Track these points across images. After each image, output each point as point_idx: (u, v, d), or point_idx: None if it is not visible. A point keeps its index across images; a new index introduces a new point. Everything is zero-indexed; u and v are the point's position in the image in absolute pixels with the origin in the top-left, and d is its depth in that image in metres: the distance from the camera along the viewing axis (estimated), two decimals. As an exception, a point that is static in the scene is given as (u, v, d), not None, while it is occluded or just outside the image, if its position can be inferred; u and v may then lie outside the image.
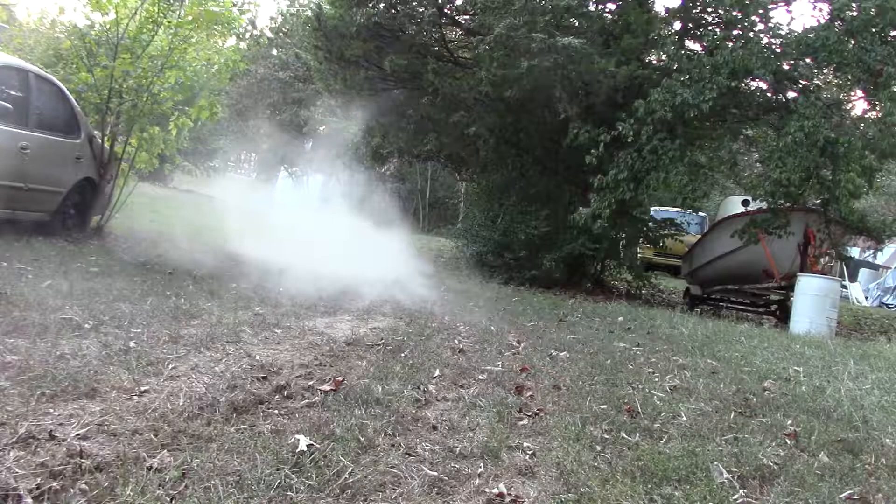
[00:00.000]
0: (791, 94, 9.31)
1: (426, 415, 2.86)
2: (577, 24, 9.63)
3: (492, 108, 10.10)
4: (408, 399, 3.00)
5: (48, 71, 7.59)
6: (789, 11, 10.08)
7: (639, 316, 7.15)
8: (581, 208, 9.18)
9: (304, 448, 2.24)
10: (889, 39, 8.24)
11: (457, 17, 11.17)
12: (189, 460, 2.06)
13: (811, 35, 8.38)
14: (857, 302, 15.56)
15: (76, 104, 7.26)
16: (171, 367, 2.96)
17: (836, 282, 8.53)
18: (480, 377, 3.64)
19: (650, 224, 11.54)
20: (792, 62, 8.85)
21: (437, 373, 3.59)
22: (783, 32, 9.00)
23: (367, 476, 2.13)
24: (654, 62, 10.35)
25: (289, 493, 1.96)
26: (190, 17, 7.76)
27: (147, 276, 5.39)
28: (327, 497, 1.98)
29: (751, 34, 9.10)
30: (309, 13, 11.44)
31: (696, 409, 3.26)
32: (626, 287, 11.62)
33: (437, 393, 3.23)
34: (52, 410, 2.31)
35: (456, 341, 4.64)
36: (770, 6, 9.23)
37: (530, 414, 3.03)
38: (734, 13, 9.09)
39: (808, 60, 8.77)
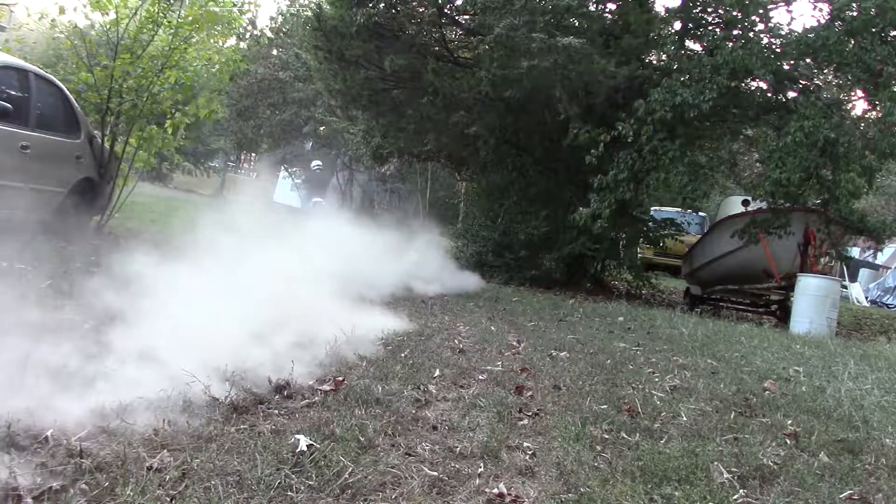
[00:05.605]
0: (791, 94, 9.30)
1: (426, 415, 2.86)
2: (577, 24, 9.62)
3: (492, 108, 10.10)
4: (408, 399, 3.00)
5: (48, 71, 7.59)
6: (789, 11, 10.04)
7: (639, 316, 7.15)
8: (581, 208, 9.17)
9: (304, 448, 2.24)
10: (889, 39, 8.24)
11: (457, 17, 11.16)
12: (189, 460, 2.06)
13: (811, 35, 8.37)
14: (857, 302, 15.56)
15: (76, 104, 7.26)
16: (172, 366, 2.95)
17: (836, 282, 8.52)
18: (480, 377, 3.65)
19: (650, 224, 11.54)
20: (792, 62, 8.85)
21: (437, 373, 3.59)
22: (783, 32, 9.00)
23: (367, 476, 2.13)
24: (654, 62, 10.34)
25: (289, 493, 1.96)
26: (190, 18, 7.77)
27: (147, 275, 5.37)
28: (327, 497, 1.98)
29: (751, 34, 9.09)
30: (309, 13, 11.43)
31: (696, 409, 3.26)
32: (626, 287, 11.61)
33: (437, 393, 3.23)
34: (52, 410, 2.31)
35: (456, 341, 4.64)
36: (770, 6, 9.22)
37: (530, 414, 3.03)
38: (734, 13, 9.09)
39: (808, 60, 8.76)
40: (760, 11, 9.02)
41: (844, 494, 2.35)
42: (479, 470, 2.32)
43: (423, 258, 8.68)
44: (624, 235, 11.10)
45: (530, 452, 2.54)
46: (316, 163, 19.70)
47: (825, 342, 6.19)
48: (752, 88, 9.83)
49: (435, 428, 2.71)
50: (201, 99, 8.37)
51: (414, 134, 11.44)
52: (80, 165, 7.22)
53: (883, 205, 20.70)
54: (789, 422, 3.16)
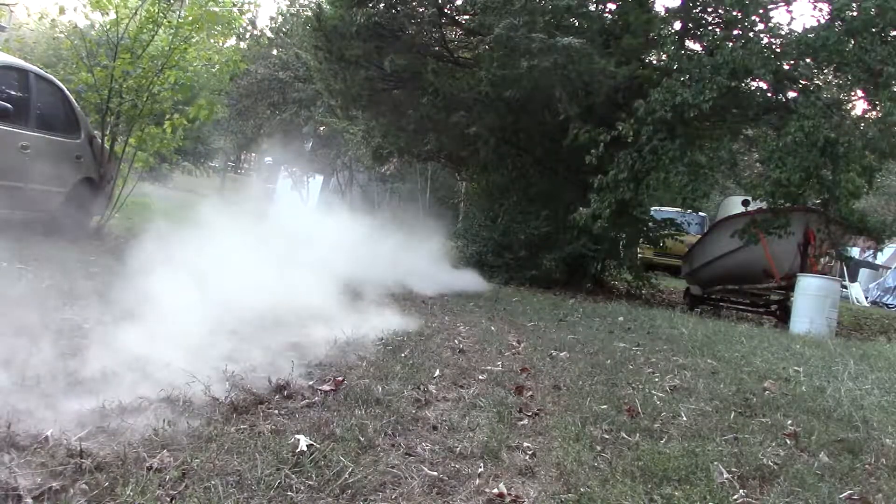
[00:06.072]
0: (791, 94, 9.30)
1: (426, 415, 2.86)
2: (577, 24, 9.62)
3: (492, 108, 10.10)
4: (408, 399, 3.00)
5: (48, 71, 7.60)
6: (789, 11, 10.05)
7: (639, 316, 7.15)
8: (581, 208, 9.17)
9: (304, 448, 2.24)
10: (889, 39, 8.24)
11: (457, 17, 11.16)
12: (189, 460, 2.06)
13: (811, 35, 8.37)
14: (857, 302, 15.56)
15: (76, 104, 7.26)
16: (172, 366, 2.95)
17: (836, 282, 8.52)
18: (480, 377, 3.65)
19: (650, 224, 11.54)
20: (792, 62, 8.84)
21: (437, 373, 3.59)
22: (783, 32, 9.00)
23: (367, 476, 2.13)
24: (654, 62, 10.34)
25: (289, 493, 1.96)
26: (190, 18, 7.78)
27: (146, 275, 5.37)
28: (327, 497, 1.98)
29: (751, 34, 9.09)
30: (309, 13, 11.43)
31: (696, 409, 3.26)
32: (626, 287, 11.61)
33: (437, 393, 3.23)
34: (52, 410, 2.31)
35: (456, 341, 4.64)
36: (770, 6, 9.22)
37: (530, 414, 3.03)
38: (734, 13, 9.09)
39: (808, 60, 8.76)
40: (760, 11, 9.02)
41: (844, 494, 2.35)
42: (479, 470, 2.32)
43: (423, 258, 8.68)
44: (624, 235, 11.09)
45: (530, 452, 2.54)
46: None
47: (825, 342, 6.19)
48: (752, 88, 9.82)
49: (435, 428, 2.71)
50: (202, 101, 8.38)
51: (414, 134, 11.44)
52: (80, 165, 7.23)
53: (883, 205, 20.71)
54: (789, 422, 3.16)
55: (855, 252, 16.46)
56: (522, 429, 2.82)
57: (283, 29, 22.66)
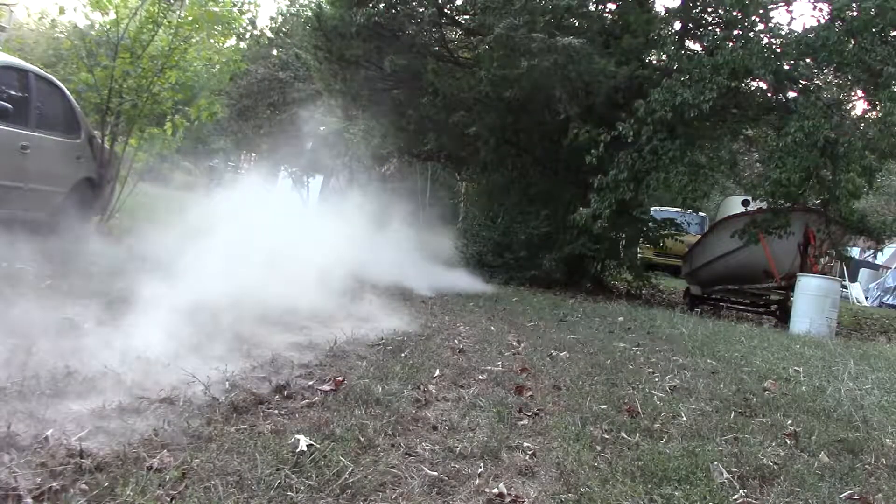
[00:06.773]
0: (791, 94, 9.30)
1: (426, 415, 2.86)
2: (577, 24, 9.63)
3: (492, 108, 10.10)
4: (408, 399, 3.00)
5: (48, 71, 7.60)
6: (789, 11, 10.03)
7: (639, 316, 7.15)
8: (581, 208, 9.17)
9: (304, 448, 2.24)
10: (889, 39, 8.24)
11: (457, 17, 11.17)
12: (189, 460, 2.06)
13: (811, 35, 8.37)
14: (857, 302, 15.56)
15: (76, 104, 7.26)
16: (172, 366, 2.95)
17: (836, 282, 8.52)
18: (480, 377, 3.64)
19: (650, 224, 11.54)
20: (792, 62, 8.85)
21: (437, 373, 3.59)
22: (783, 32, 9.00)
23: (367, 476, 2.13)
24: (654, 62, 10.34)
25: (289, 493, 1.96)
26: (190, 18, 7.79)
27: (146, 275, 5.38)
28: (327, 497, 1.98)
29: (751, 34, 9.10)
30: (309, 13, 11.43)
31: (696, 409, 3.26)
32: (626, 287, 11.62)
33: (437, 393, 3.23)
34: (52, 410, 2.31)
35: (456, 341, 4.64)
36: (770, 6, 9.23)
37: (530, 414, 3.03)
38: (734, 13, 9.09)
39: (808, 60, 8.76)
40: (760, 11, 9.02)
41: (844, 494, 2.35)
42: (479, 470, 2.31)
43: (422, 258, 8.68)
44: (624, 235, 11.10)
45: (530, 452, 2.54)
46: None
47: (825, 342, 6.19)
48: (752, 88, 9.83)
49: (435, 428, 2.70)
50: (202, 100, 8.39)
51: (414, 134, 11.44)
52: (80, 165, 7.22)
53: (883, 205, 20.71)
54: (789, 422, 3.16)
55: (855, 252, 16.47)
56: (522, 429, 2.82)
57: (283, 29, 22.62)
